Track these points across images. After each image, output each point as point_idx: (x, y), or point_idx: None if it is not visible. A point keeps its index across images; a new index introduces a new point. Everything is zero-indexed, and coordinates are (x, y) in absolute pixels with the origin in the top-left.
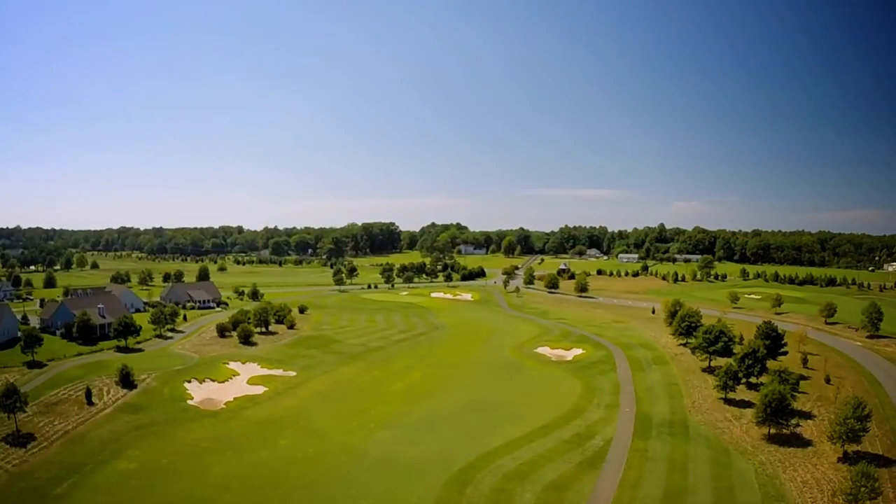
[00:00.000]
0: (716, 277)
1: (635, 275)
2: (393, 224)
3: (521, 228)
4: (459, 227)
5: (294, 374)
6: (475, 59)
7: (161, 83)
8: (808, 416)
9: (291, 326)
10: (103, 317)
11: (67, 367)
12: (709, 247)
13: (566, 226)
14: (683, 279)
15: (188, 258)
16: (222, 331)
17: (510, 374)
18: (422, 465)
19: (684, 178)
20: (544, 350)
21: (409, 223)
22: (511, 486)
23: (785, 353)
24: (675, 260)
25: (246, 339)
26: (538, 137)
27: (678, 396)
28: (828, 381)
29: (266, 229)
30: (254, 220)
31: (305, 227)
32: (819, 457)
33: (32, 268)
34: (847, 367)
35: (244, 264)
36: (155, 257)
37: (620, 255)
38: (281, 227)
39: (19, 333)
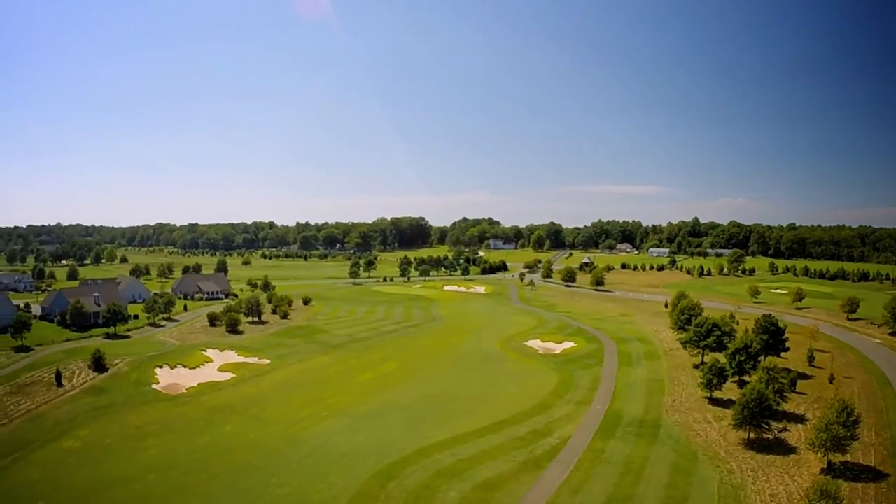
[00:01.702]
0: (743, 272)
1: (660, 269)
2: (422, 219)
3: (552, 223)
4: (491, 221)
5: (268, 362)
6: (513, 56)
7: (196, 82)
8: (800, 419)
9: (285, 316)
10: (98, 305)
11: (50, 352)
12: (743, 241)
13: (599, 220)
14: (709, 273)
15: (217, 253)
16: (213, 320)
17: (488, 366)
18: (355, 456)
19: (730, 174)
20: (534, 343)
21: (444, 219)
22: (438, 484)
23: (786, 350)
24: (706, 254)
25: (233, 328)
26: (580, 134)
27: (659, 394)
28: (832, 380)
29: (298, 224)
30: (290, 216)
31: (336, 223)
32: (800, 467)
33: (63, 262)
34: (858, 365)
35: (271, 258)
36: (185, 252)
37: (651, 250)
38: (312, 223)
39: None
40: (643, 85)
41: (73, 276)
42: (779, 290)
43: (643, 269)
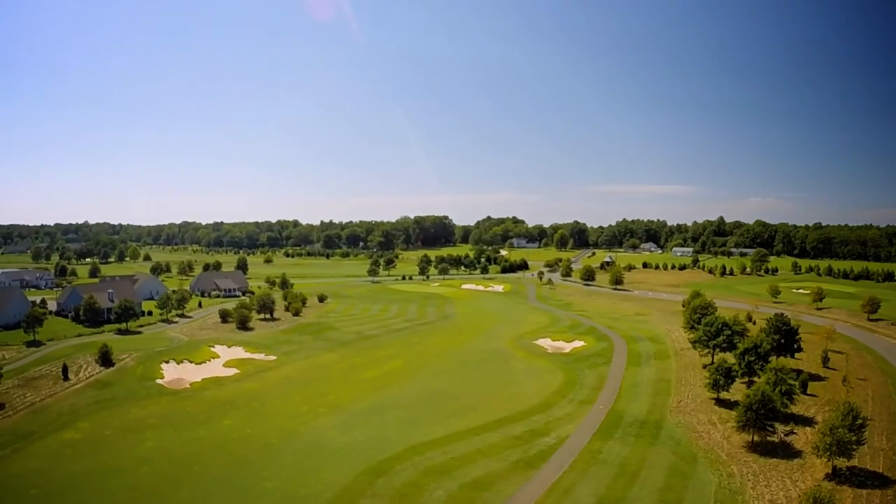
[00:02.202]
0: (766, 271)
1: (682, 268)
2: (446, 217)
3: (575, 222)
4: (515, 220)
5: (274, 358)
6: (540, 56)
7: (222, 82)
8: (809, 422)
9: (297, 314)
10: (112, 301)
11: (61, 347)
12: (768, 241)
13: (624, 219)
14: (731, 273)
15: (239, 251)
16: (224, 317)
17: (494, 364)
18: (347, 452)
19: (761, 174)
20: (544, 341)
21: (468, 218)
22: (427, 481)
23: (799, 350)
24: (730, 254)
25: (243, 325)
26: (609, 133)
27: (664, 394)
28: (845, 382)
29: (322, 223)
30: (314, 215)
31: (360, 221)
32: (804, 472)
33: (87, 260)
34: (875, 367)
35: (293, 257)
36: (209, 250)
37: (675, 249)
38: (336, 221)
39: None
40: (673, 83)
41: (94, 273)
42: (800, 290)
43: (664, 268)
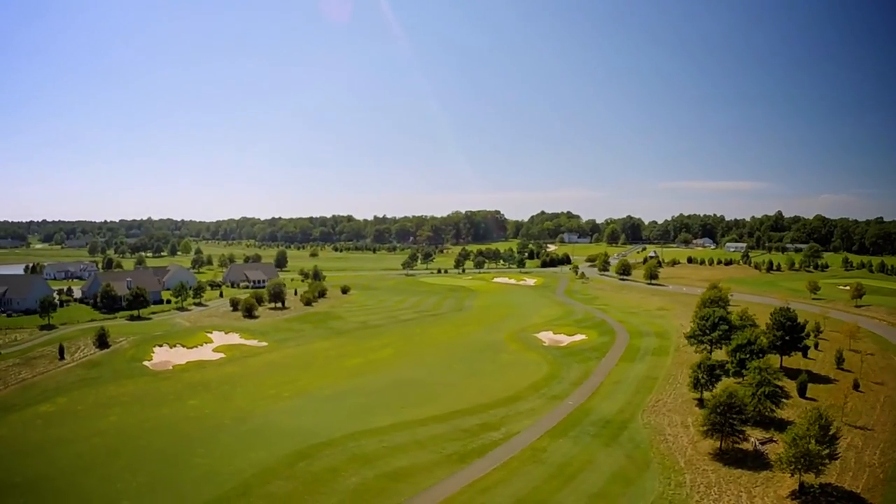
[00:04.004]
0: (815, 267)
1: (728, 263)
2: (497, 212)
3: (629, 216)
4: (569, 215)
5: (265, 344)
6: (606, 53)
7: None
8: None
9: (308, 303)
10: (129, 289)
11: (69, 331)
12: (826, 236)
13: (681, 214)
14: (778, 268)
15: (291, 245)
16: (235, 305)
17: (481, 356)
18: (289, 435)
19: (836, 170)
20: (544, 334)
21: (525, 214)
22: (346, 468)
23: (804, 348)
24: (785, 249)
25: (249, 313)
26: (679, 127)
27: (645, 392)
28: (856, 387)
29: (375, 218)
30: (368, 210)
31: (413, 216)
32: (769, 487)
33: (139, 253)
34: None
35: (342, 251)
36: (261, 245)
37: (728, 245)
38: (389, 216)
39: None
40: (750, 78)
41: (139, 265)
42: (844, 287)
43: (710, 263)
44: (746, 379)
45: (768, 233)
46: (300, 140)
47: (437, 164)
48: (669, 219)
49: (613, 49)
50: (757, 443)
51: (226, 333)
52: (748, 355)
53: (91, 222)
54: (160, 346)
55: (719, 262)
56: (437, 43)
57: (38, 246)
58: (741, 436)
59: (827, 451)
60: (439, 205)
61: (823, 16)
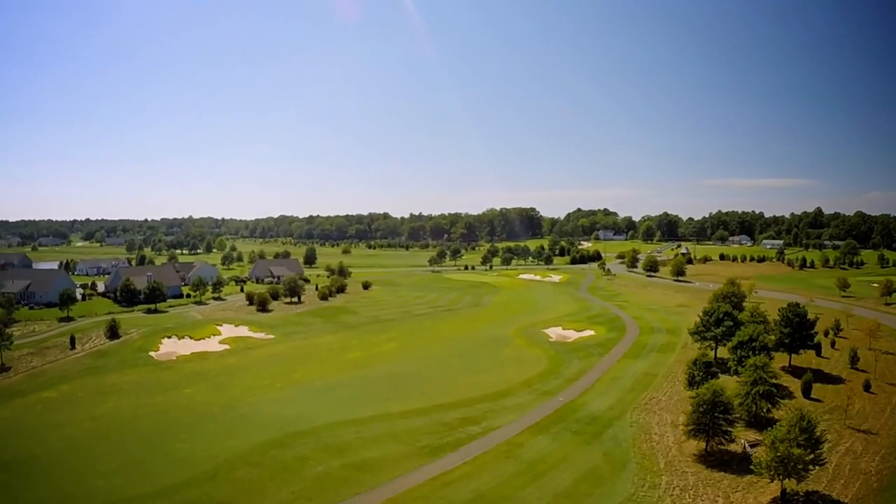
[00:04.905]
0: (850, 264)
1: (761, 260)
2: (533, 209)
3: (665, 213)
4: (606, 212)
5: (272, 337)
6: (644, 49)
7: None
8: None
9: (324, 298)
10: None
11: (86, 323)
12: (865, 233)
13: (719, 211)
14: (811, 265)
15: (326, 243)
16: (250, 299)
17: (482, 351)
18: (268, 424)
19: (883, 166)
20: (553, 330)
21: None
22: (316, 457)
23: (817, 346)
24: (822, 246)
25: (262, 307)
26: (723, 124)
27: (641, 389)
28: (867, 388)
29: (411, 216)
30: (404, 208)
31: (450, 213)
32: (749, 492)
33: (173, 250)
34: None
35: (375, 248)
36: (297, 242)
37: (764, 242)
38: (426, 213)
39: (78, 294)
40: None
41: (171, 261)
42: (876, 284)
43: (742, 260)
44: (742, 377)
45: (806, 230)
46: (338, 141)
47: (472, 164)
48: (707, 216)
49: (655, 49)
50: (746, 445)
51: (235, 326)
52: (750, 352)
53: (132, 221)
54: (168, 337)
55: (752, 259)
56: (476, 51)
57: (80, 244)
58: (728, 437)
59: (811, 456)
60: (475, 203)
61: (870, 7)
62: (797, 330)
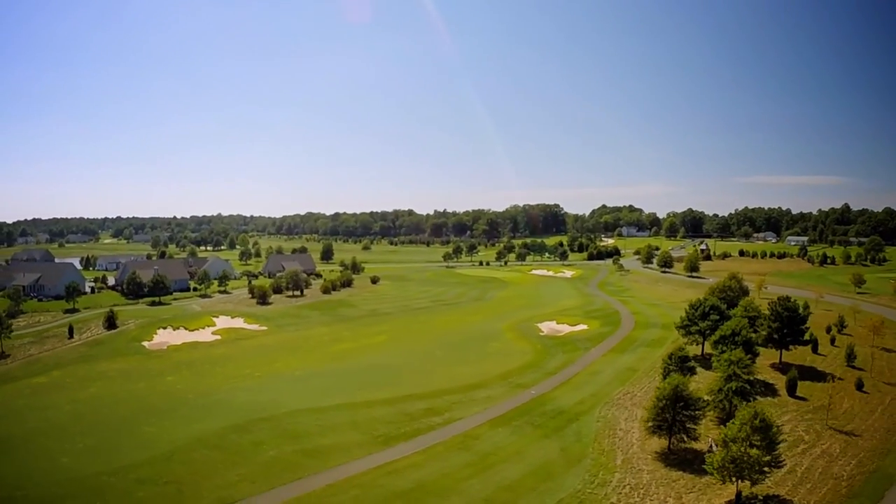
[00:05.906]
0: (872, 261)
1: (781, 256)
2: (556, 206)
3: (689, 209)
4: (632, 209)
5: (265, 329)
6: (675, 46)
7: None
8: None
9: (326, 291)
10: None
11: (90, 314)
12: (893, 229)
13: (745, 207)
14: (832, 262)
15: (349, 239)
16: (252, 292)
17: (470, 345)
18: (236, 410)
19: None
20: (546, 324)
21: (587, 208)
22: (271, 442)
23: (813, 342)
24: (848, 243)
25: (262, 300)
26: (753, 121)
27: (618, 384)
28: (860, 386)
29: (436, 212)
30: (429, 205)
31: (475, 210)
32: (703, 493)
33: (193, 247)
34: None
35: (396, 245)
36: (321, 238)
37: (789, 238)
38: (450, 210)
39: (86, 287)
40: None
41: (190, 257)
42: (893, 280)
43: (762, 256)
44: (716, 372)
45: (832, 226)
46: (365, 140)
47: (497, 163)
48: (733, 212)
49: (684, 48)
50: (713, 444)
51: (231, 318)
52: (731, 347)
53: (161, 218)
54: (164, 328)
55: (772, 255)
56: (503, 56)
57: (107, 241)
58: (690, 434)
59: (767, 457)
60: (500, 201)
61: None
62: (787, 325)
